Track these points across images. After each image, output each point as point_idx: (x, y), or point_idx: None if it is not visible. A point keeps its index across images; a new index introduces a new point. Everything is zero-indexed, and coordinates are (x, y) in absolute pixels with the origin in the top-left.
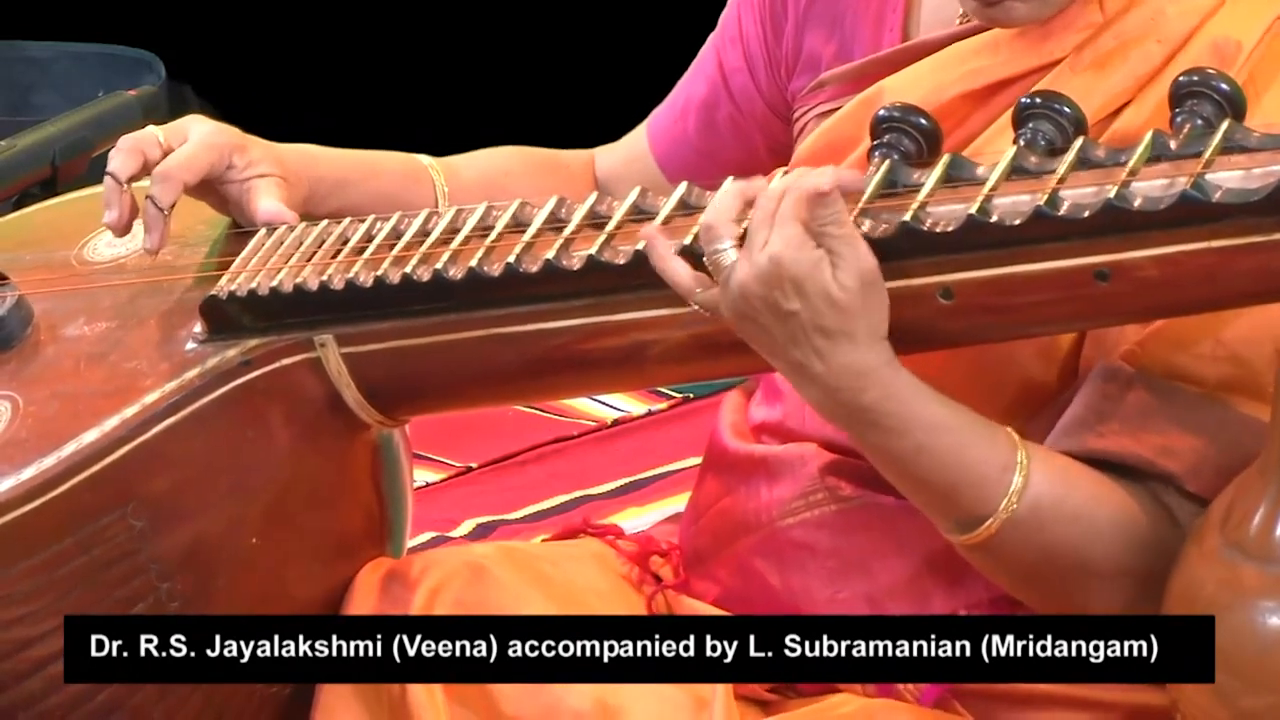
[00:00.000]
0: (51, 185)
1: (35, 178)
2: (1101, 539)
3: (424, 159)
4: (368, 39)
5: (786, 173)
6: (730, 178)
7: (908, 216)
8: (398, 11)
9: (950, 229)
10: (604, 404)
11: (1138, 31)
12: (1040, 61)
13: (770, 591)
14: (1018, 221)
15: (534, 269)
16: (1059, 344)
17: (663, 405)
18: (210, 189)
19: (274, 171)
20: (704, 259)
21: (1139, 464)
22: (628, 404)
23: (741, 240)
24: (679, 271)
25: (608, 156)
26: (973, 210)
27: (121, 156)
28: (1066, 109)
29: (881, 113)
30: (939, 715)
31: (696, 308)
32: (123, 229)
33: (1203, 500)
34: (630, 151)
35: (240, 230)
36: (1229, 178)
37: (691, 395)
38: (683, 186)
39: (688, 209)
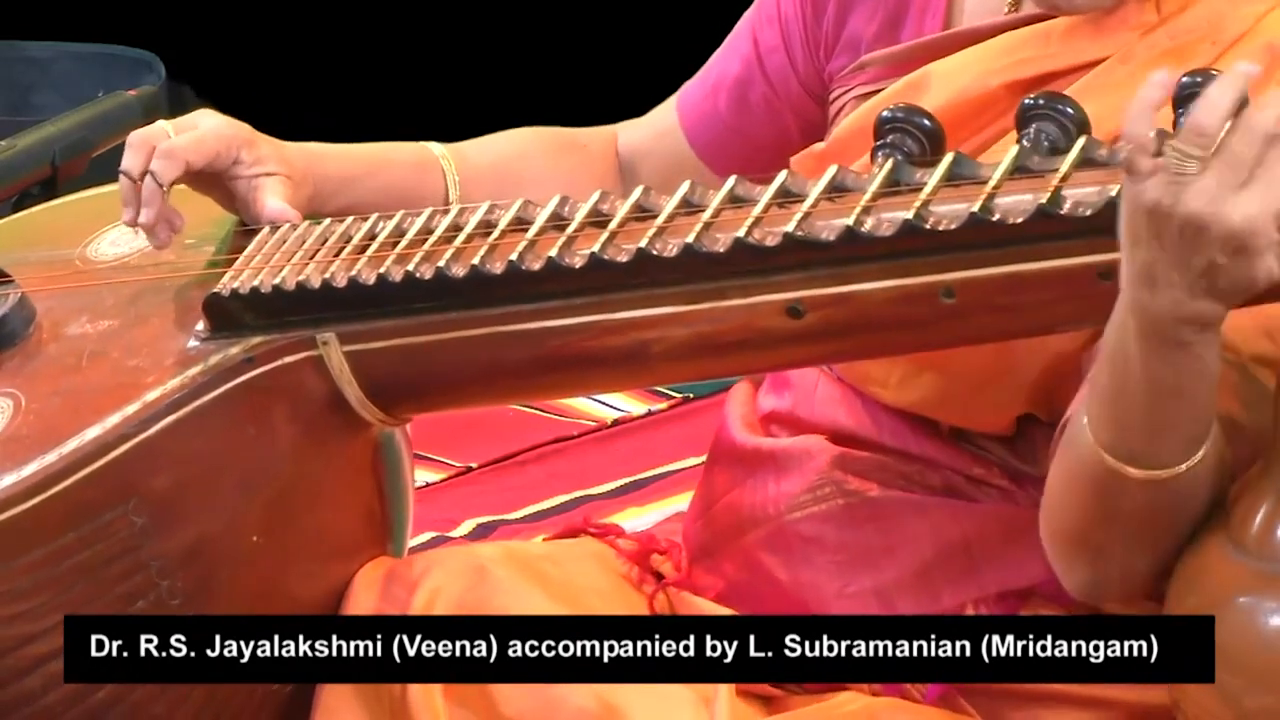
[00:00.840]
0: (51, 185)
1: (35, 178)
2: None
3: (435, 147)
4: (368, 38)
5: (827, 152)
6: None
7: (910, 215)
8: (399, 10)
9: (953, 228)
10: (604, 404)
11: (1195, 33)
12: (1091, 57)
13: (778, 586)
14: (1020, 220)
15: (536, 267)
16: None
17: (663, 405)
18: (216, 183)
19: (280, 170)
20: (1166, 148)
21: None
22: (628, 404)
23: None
24: (1143, 125)
25: (633, 132)
26: (975, 209)
27: (133, 153)
28: (1069, 110)
29: (885, 113)
30: (943, 714)
31: (1124, 162)
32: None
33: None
34: (659, 126)
35: (244, 229)
36: None
37: (691, 395)
38: (685, 185)
39: (690, 207)
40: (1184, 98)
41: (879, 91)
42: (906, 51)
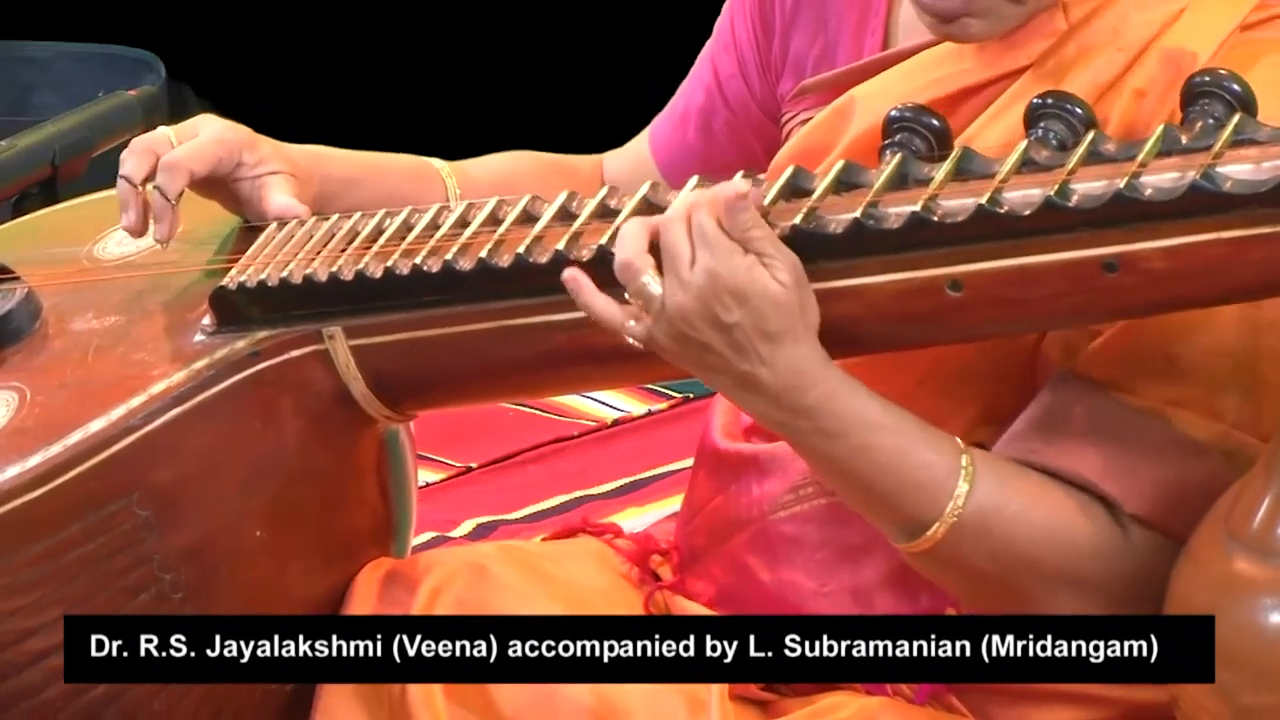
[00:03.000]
0: (51, 185)
1: (35, 178)
2: (1045, 544)
3: (435, 162)
4: (369, 40)
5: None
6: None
7: (918, 207)
8: (399, 12)
9: (960, 220)
10: (604, 404)
11: (1100, 40)
12: (1005, 69)
13: (760, 587)
14: (1028, 212)
15: (543, 260)
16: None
17: (663, 405)
18: (221, 186)
19: (284, 168)
20: (628, 297)
21: (1082, 484)
22: (628, 404)
23: (659, 268)
24: (607, 309)
25: (615, 161)
26: (983, 201)
27: (134, 159)
28: (1078, 109)
29: (893, 113)
30: (935, 714)
31: (631, 341)
32: (141, 230)
33: (1144, 521)
34: (634, 157)
35: (251, 226)
36: (1239, 170)
37: (691, 395)
38: (693, 180)
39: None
40: (1194, 95)
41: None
42: (839, 77)
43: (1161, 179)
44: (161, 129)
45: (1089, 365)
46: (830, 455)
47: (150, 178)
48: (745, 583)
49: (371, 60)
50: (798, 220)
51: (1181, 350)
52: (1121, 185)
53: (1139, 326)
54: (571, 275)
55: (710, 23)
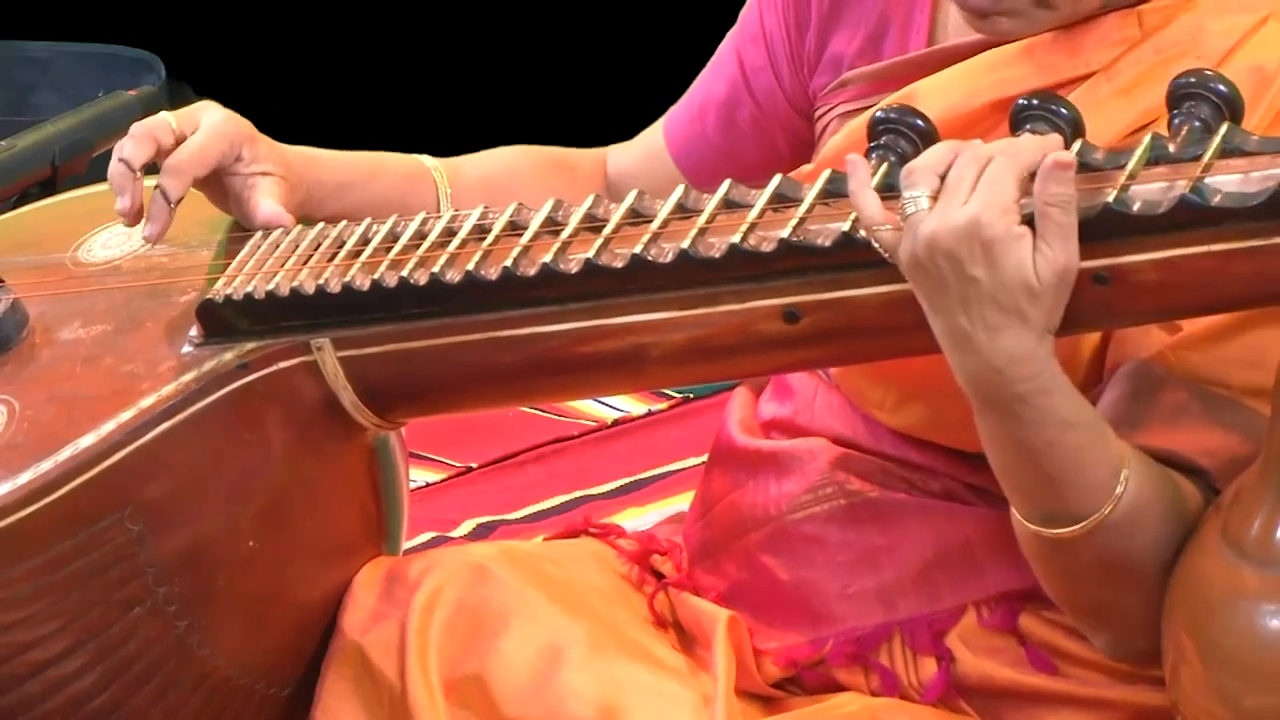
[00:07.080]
0: (51, 185)
1: (35, 178)
2: (1164, 561)
3: (427, 160)
4: (369, 38)
5: (815, 172)
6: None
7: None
8: (399, 10)
9: None
10: (604, 404)
11: (1177, 47)
12: (1074, 73)
13: (779, 586)
14: None
15: (531, 272)
16: (1083, 348)
17: (663, 405)
18: (214, 178)
19: (276, 171)
20: (900, 201)
21: (1179, 461)
22: (628, 404)
23: (937, 196)
24: (869, 203)
25: (621, 155)
26: None
27: (134, 143)
28: (1064, 110)
29: (878, 114)
30: (942, 715)
31: (875, 244)
32: (135, 217)
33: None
34: (646, 150)
35: (237, 234)
36: (1227, 181)
37: (691, 395)
38: (679, 190)
39: (684, 211)
40: (1178, 98)
41: (862, 109)
42: (889, 69)
43: (1150, 189)
44: (163, 114)
45: (1169, 356)
46: (1013, 440)
47: (148, 164)
48: (761, 581)
49: (372, 59)
50: (785, 233)
51: (1257, 340)
52: (1110, 199)
53: (1226, 320)
54: (855, 159)
55: (714, 13)
